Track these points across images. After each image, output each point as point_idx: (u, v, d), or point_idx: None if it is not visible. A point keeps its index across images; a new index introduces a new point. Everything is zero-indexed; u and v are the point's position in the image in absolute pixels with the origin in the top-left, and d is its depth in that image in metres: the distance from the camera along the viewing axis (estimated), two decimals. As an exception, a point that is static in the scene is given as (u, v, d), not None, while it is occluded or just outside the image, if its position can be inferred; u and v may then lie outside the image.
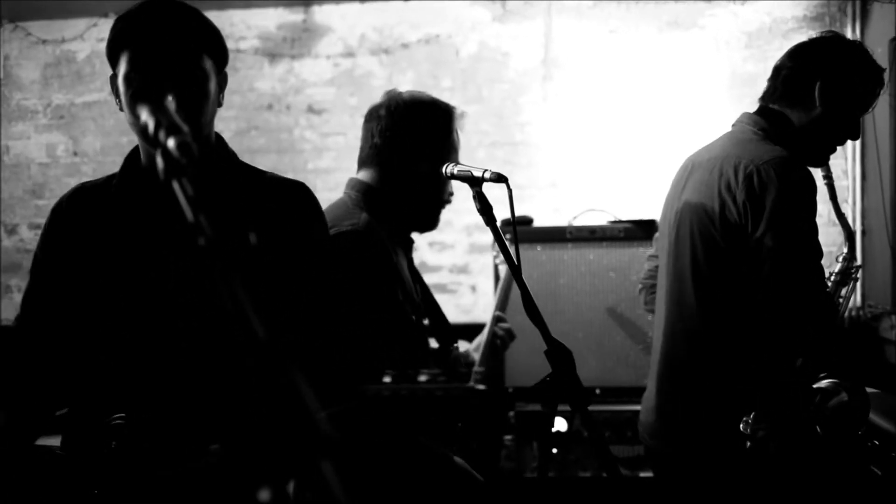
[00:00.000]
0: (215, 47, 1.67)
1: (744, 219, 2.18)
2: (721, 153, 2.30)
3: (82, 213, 1.71)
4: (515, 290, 1.97)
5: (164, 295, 1.61)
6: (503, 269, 2.86)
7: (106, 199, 1.71)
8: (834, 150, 2.38)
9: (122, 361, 1.64)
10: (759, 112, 2.36)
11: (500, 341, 2.58)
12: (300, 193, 1.77)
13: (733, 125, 2.41)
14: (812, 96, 2.27)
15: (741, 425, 2.17)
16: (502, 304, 2.70)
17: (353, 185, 2.25)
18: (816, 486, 2.25)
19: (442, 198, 2.28)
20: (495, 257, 2.98)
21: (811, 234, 2.19)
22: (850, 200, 4.59)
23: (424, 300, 2.33)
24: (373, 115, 2.27)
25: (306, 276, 1.70)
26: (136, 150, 1.72)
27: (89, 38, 5.18)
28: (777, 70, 2.36)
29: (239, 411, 1.54)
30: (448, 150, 2.22)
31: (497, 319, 2.59)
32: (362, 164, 2.28)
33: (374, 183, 2.23)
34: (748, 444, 2.16)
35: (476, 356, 2.50)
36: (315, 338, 1.65)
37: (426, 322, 2.33)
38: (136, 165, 1.70)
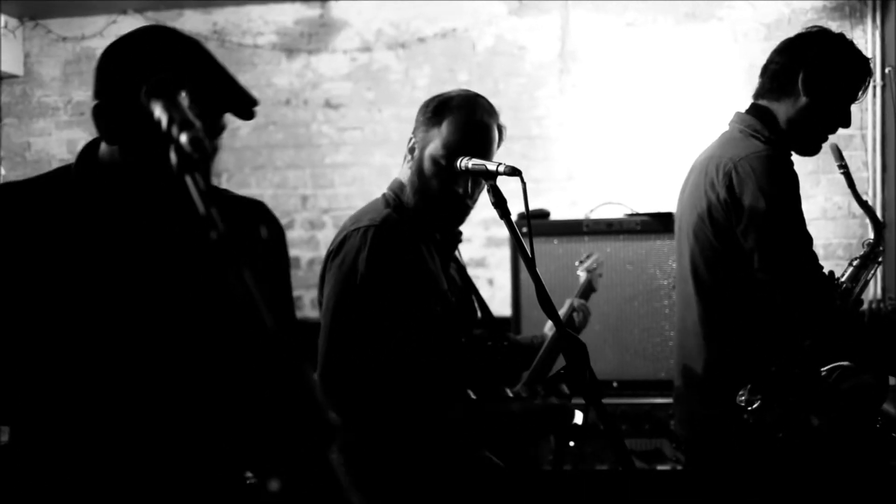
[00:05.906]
0: None
1: (728, 216, 2.28)
2: (710, 154, 2.40)
3: (21, 212, 1.50)
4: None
5: (136, 294, 1.47)
6: (583, 275, 2.85)
7: (51, 196, 1.51)
8: (825, 139, 2.46)
9: (81, 371, 1.45)
10: (748, 110, 2.44)
11: (580, 314, 2.64)
12: (263, 213, 1.70)
13: (728, 125, 2.48)
14: (797, 87, 2.34)
15: (737, 397, 2.26)
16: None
17: (391, 182, 2.25)
18: (824, 466, 2.29)
19: (450, 193, 2.14)
20: (581, 262, 2.94)
21: (793, 223, 2.27)
22: (870, 192, 4.54)
23: (465, 294, 2.32)
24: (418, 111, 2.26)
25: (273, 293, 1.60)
26: (91, 144, 1.56)
27: (109, 35, 5.21)
28: (765, 67, 2.45)
29: (219, 422, 1.47)
30: (461, 145, 2.11)
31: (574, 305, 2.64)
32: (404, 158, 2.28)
33: (404, 178, 2.24)
34: (746, 416, 2.24)
35: (550, 334, 2.52)
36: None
37: (478, 314, 2.34)
38: (94, 160, 1.54)
